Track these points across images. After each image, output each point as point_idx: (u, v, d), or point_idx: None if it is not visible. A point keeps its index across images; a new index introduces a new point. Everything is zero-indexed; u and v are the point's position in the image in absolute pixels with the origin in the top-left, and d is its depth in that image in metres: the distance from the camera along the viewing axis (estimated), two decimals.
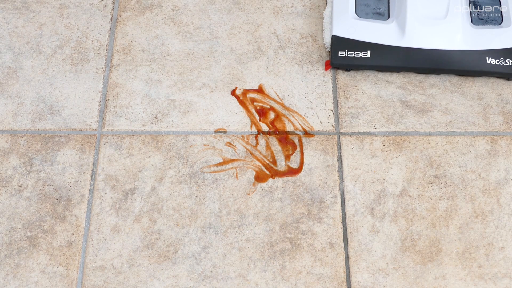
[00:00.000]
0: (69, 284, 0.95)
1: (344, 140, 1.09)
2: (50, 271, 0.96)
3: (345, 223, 1.01)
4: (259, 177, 1.05)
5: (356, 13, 1.16)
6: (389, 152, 1.07)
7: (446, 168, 1.06)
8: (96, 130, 1.10)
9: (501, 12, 1.16)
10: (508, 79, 1.14)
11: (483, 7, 1.17)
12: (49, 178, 1.04)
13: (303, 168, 1.06)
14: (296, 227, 1.00)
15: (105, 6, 1.24)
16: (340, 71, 1.16)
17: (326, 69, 1.14)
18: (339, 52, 1.12)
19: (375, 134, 1.09)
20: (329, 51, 1.15)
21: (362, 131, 1.10)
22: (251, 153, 1.07)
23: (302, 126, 1.10)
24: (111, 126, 1.10)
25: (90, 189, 1.04)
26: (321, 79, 1.16)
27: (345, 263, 0.97)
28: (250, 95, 1.14)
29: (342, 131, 1.10)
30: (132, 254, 0.98)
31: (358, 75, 1.16)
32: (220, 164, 1.06)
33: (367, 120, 1.11)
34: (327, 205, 1.02)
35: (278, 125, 1.11)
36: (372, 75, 1.15)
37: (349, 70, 1.14)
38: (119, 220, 1.01)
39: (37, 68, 1.16)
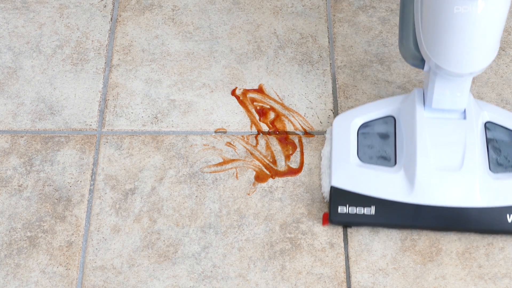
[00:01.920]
0: (69, 284, 0.95)
1: None
2: (50, 271, 0.96)
3: None
4: (259, 177, 1.05)
5: (358, 156, 1.01)
6: None
7: None
8: (96, 130, 1.10)
9: None
10: None
11: (502, 149, 1.01)
12: (49, 178, 1.04)
13: (303, 168, 1.06)
14: (296, 227, 1.00)
15: (105, 6, 1.24)
16: (340, 71, 1.16)
17: (323, 224, 0.99)
18: (339, 207, 0.97)
19: None
20: (326, 202, 1.01)
21: None
22: (251, 153, 1.07)
23: (302, 126, 1.10)
24: (111, 126, 1.10)
25: (90, 189, 1.04)
26: (321, 79, 1.16)
27: (345, 263, 0.97)
28: (250, 95, 1.14)
29: None
30: (132, 254, 0.98)
31: (358, 75, 1.16)
32: (220, 164, 1.06)
33: None
34: (327, 205, 1.02)
35: (278, 125, 1.11)
36: (372, 75, 1.15)
37: (350, 227, 0.99)
38: (119, 220, 1.01)
39: (37, 68, 1.16)
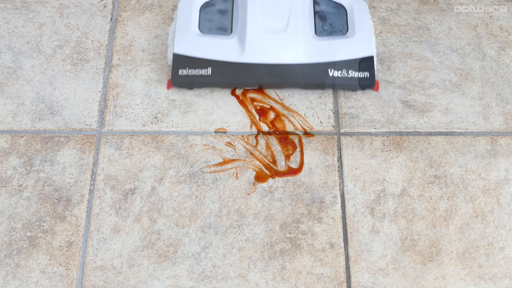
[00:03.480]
0: (69, 284, 0.95)
1: (344, 140, 1.09)
2: (50, 271, 0.96)
3: (345, 223, 1.01)
4: (259, 177, 1.05)
5: (199, 29, 1.14)
6: (389, 152, 1.07)
7: (446, 168, 1.06)
8: (96, 130, 1.10)
9: (346, 22, 1.14)
10: (353, 90, 1.11)
11: (328, 17, 1.14)
12: (49, 178, 1.04)
13: (303, 168, 1.06)
14: (296, 227, 1.00)
15: (105, 6, 1.24)
16: None
17: (168, 88, 1.11)
18: (180, 70, 1.10)
19: (375, 134, 1.09)
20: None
21: (362, 131, 1.10)
22: (251, 153, 1.07)
23: (302, 126, 1.10)
24: (111, 126, 1.10)
25: (90, 189, 1.04)
26: None
27: (345, 263, 0.97)
28: (250, 95, 1.14)
29: (342, 131, 1.10)
30: (132, 254, 0.97)
31: None
32: (220, 164, 1.06)
33: (367, 120, 1.11)
34: (327, 205, 1.02)
35: (278, 125, 1.11)
36: None
37: (192, 89, 1.12)
38: (119, 220, 1.01)
39: (37, 68, 1.16)
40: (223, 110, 1.12)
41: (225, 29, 1.13)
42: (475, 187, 1.04)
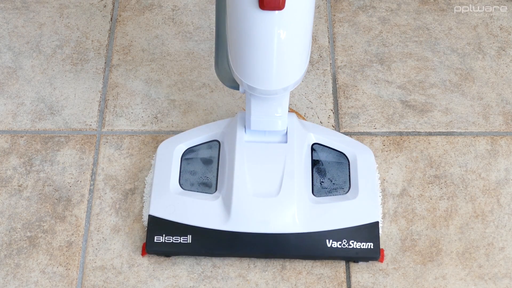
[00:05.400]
0: (69, 284, 0.95)
1: None
2: (50, 271, 0.96)
3: None
4: None
5: (180, 183, 0.98)
6: (389, 152, 1.07)
7: (446, 168, 1.06)
8: (96, 130, 1.10)
9: (349, 177, 0.99)
10: (354, 262, 0.96)
11: (328, 171, 0.99)
12: (49, 178, 1.04)
13: None
14: None
15: (105, 6, 1.24)
16: (340, 71, 1.16)
17: (142, 255, 0.96)
18: (156, 237, 0.94)
19: (375, 134, 1.09)
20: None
21: (362, 131, 1.10)
22: None
23: None
24: (111, 126, 1.10)
25: (90, 189, 1.04)
26: (321, 79, 1.16)
27: (345, 263, 0.97)
28: None
29: (342, 131, 1.10)
30: (132, 254, 0.98)
31: (358, 75, 1.16)
32: None
33: (367, 120, 1.11)
34: None
35: None
36: (372, 75, 1.15)
37: (169, 257, 0.96)
38: (119, 220, 1.01)
39: (37, 68, 1.16)
40: (223, 110, 1.12)
41: (209, 186, 0.97)
42: (475, 187, 1.04)
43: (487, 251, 0.98)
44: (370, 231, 0.94)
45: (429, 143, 1.08)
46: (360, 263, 0.96)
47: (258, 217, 0.92)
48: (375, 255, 0.94)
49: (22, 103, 1.12)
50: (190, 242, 0.93)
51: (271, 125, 0.94)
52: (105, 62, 1.17)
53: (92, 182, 1.04)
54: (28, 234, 0.99)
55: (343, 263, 0.97)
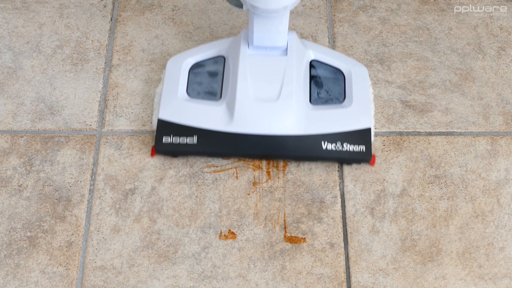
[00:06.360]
0: (69, 284, 0.95)
1: None
2: (50, 271, 0.96)
3: (345, 223, 1.01)
4: (259, 177, 1.05)
5: (187, 92, 1.07)
6: (389, 152, 1.07)
7: (446, 168, 1.06)
8: (96, 130, 1.10)
9: (344, 89, 1.07)
10: (348, 164, 1.04)
11: (324, 83, 1.07)
12: (49, 178, 1.04)
13: (303, 168, 1.06)
14: (296, 227, 1.00)
15: (105, 6, 1.24)
16: None
17: (152, 155, 1.05)
18: (164, 137, 1.02)
19: (375, 134, 1.09)
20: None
21: None
22: None
23: None
24: (111, 126, 1.10)
25: (90, 189, 1.04)
26: None
27: (345, 263, 0.97)
28: None
29: None
30: (132, 254, 0.98)
31: None
32: (220, 164, 1.06)
33: None
34: (327, 205, 1.02)
35: None
36: (372, 75, 1.15)
37: (176, 157, 1.04)
38: (119, 220, 1.01)
39: (37, 68, 1.16)
40: None
41: (214, 94, 1.06)
42: (475, 187, 1.04)
43: (487, 251, 0.98)
44: (362, 135, 1.03)
45: (429, 143, 1.08)
46: (360, 262, 0.96)
47: (259, 120, 1.01)
48: (367, 157, 1.02)
49: (22, 103, 1.12)
50: (195, 142, 1.02)
51: (273, 41, 1.03)
52: (105, 62, 1.17)
53: (92, 182, 1.04)
54: (28, 234, 0.99)
55: (343, 263, 0.97)
